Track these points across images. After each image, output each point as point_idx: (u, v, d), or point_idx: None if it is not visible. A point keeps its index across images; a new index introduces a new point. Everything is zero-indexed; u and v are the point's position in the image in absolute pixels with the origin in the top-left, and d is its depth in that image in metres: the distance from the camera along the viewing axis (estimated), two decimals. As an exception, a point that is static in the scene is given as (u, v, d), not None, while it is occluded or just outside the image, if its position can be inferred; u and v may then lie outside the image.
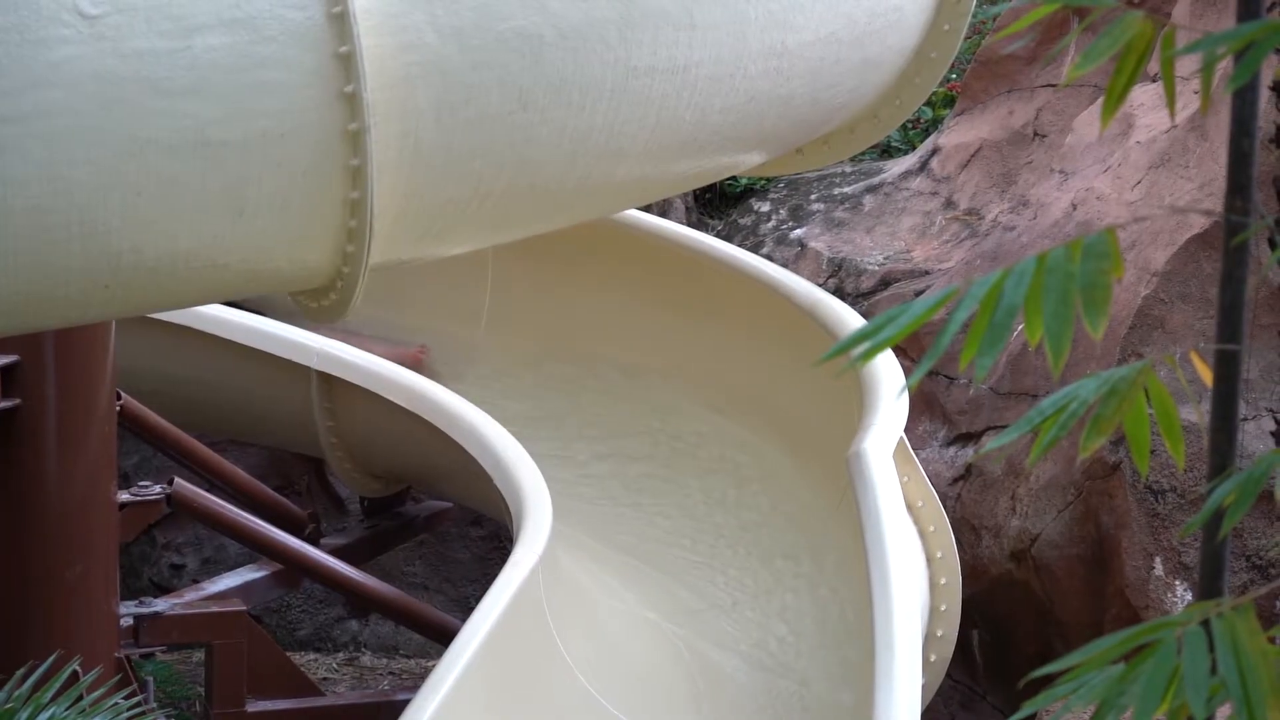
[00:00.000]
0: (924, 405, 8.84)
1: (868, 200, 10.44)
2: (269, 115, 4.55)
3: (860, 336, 2.48)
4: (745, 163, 6.44)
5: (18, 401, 6.74)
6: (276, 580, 9.07)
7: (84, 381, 6.79)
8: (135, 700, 4.78)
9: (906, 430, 7.09)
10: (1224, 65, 2.57)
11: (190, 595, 8.59)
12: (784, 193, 10.83)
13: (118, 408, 7.16)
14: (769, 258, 9.70)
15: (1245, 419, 7.12)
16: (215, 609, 8.40)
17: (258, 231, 4.68)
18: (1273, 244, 2.65)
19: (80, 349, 6.73)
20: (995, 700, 8.61)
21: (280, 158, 4.59)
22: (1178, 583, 7.64)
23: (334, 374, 8.64)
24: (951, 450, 8.87)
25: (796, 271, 9.27)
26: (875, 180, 10.59)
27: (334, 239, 4.83)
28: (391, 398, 8.35)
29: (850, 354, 2.51)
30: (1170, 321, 7.94)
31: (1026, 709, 2.44)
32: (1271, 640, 2.34)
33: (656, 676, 7.18)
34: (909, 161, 10.62)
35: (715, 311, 8.91)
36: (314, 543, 9.08)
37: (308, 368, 8.67)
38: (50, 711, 4.51)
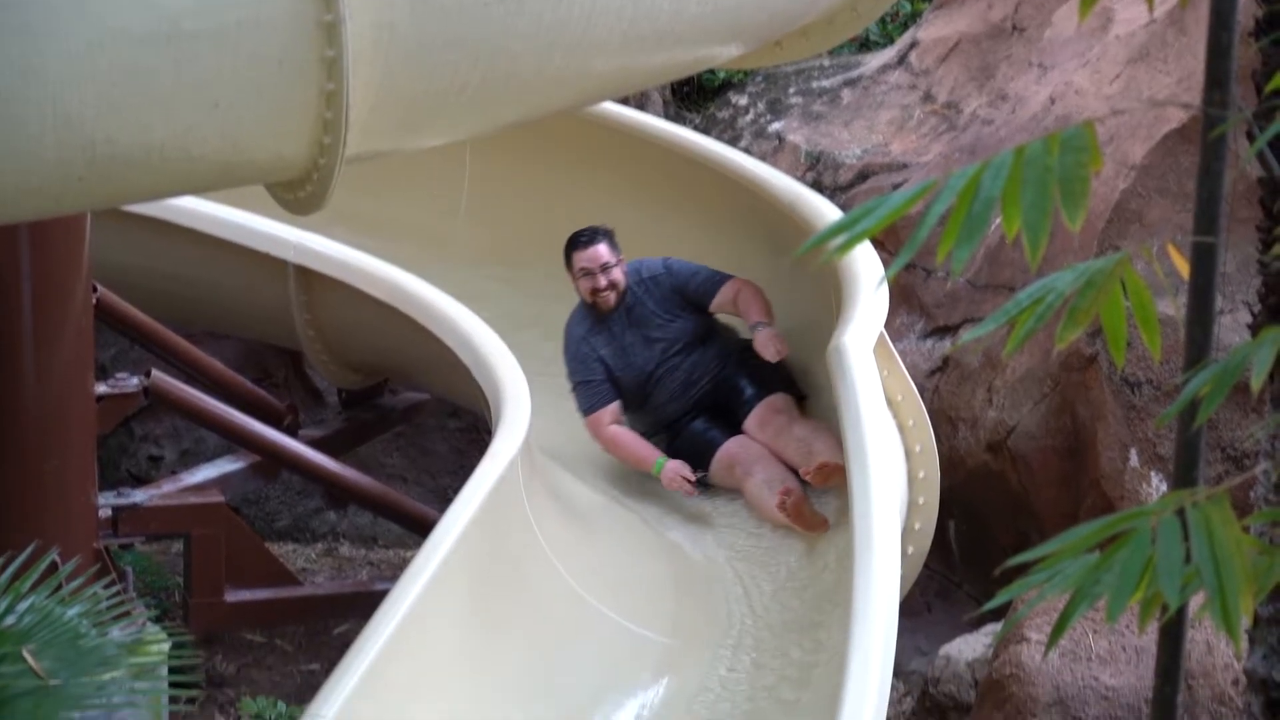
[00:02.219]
0: (901, 298, 8.85)
1: (846, 94, 10.40)
2: (243, 6, 4.51)
3: (838, 228, 2.48)
4: (723, 55, 6.40)
5: (-8, 294, 6.72)
6: (254, 471, 9.09)
7: (59, 274, 6.77)
8: (114, 590, 4.78)
9: (884, 323, 7.09)
10: (1204, -45, 2.56)
11: (168, 486, 8.60)
12: (762, 86, 10.79)
13: (94, 300, 7.14)
14: (747, 151, 9.68)
15: (1222, 312, 7.12)
16: (193, 500, 8.41)
17: (233, 123, 4.65)
18: (1250, 137, 2.64)
19: (55, 242, 6.71)
20: (971, 589, 8.67)
21: (255, 49, 4.56)
22: (1153, 474, 7.68)
23: (311, 267, 8.62)
24: (929, 343, 8.89)
25: (774, 165, 9.24)
26: (853, 74, 10.55)
27: (310, 131, 4.80)
28: (369, 291, 8.33)
29: (828, 245, 2.51)
30: (1148, 215, 7.94)
31: (1002, 597, 2.46)
32: (1245, 530, 2.35)
33: (634, 566, 7.21)
34: (887, 55, 10.58)
35: (693, 206, 8.90)
36: (292, 434, 9.08)
37: (285, 261, 8.65)
38: (29, 600, 4.52)
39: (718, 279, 7.87)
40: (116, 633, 4.78)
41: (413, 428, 10.46)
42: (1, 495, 6.74)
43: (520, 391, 7.20)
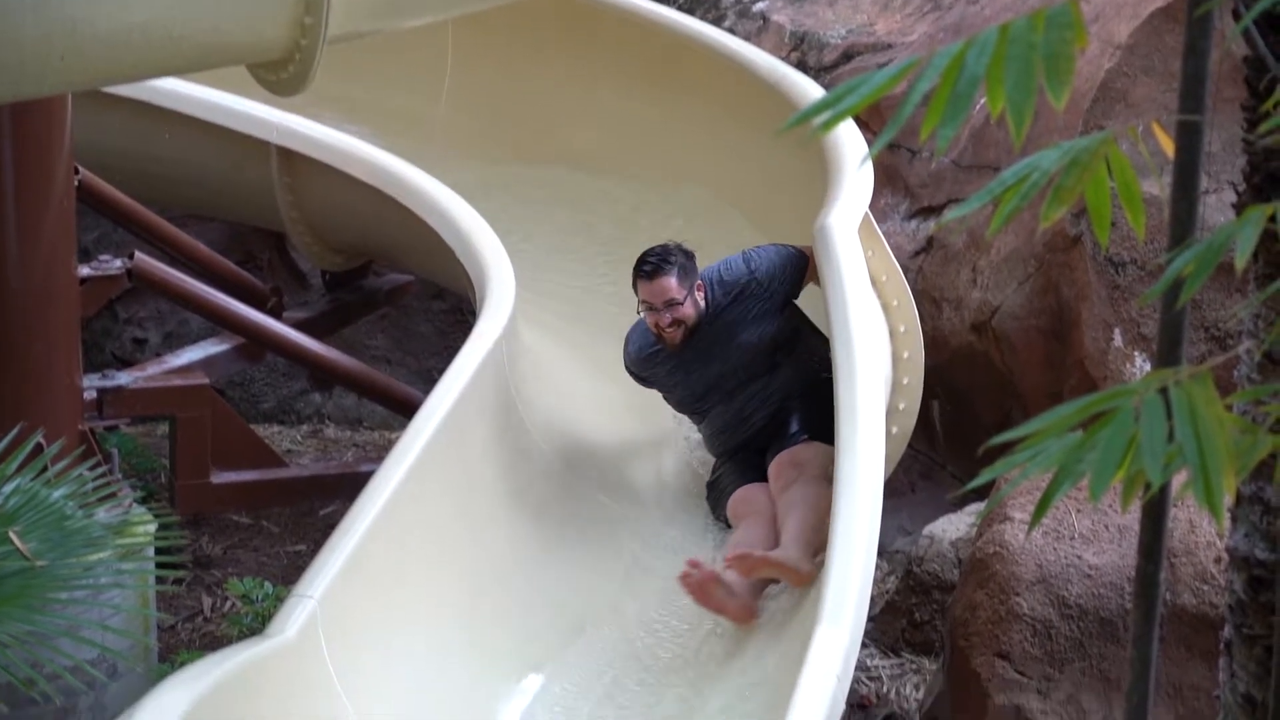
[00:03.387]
0: (885, 178, 8.82)
1: (831, -28, 10.33)
2: (223, -118, 4.48)
3: (822, 105, 2.47)
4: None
5: (-25, 176, 6.69)
6: (239, 354, 9.09)
7: (41, 157, 6.73)
8: (100, 471, 4.80)
9: (868, 203, 7.08)
10: None
11: (153, 368, 8.60)
12: (746, -36, 10.72)
13: (75, 183, 7.11)
14: (731, 31, 9.62)
15: (1206, 191, 7.12)
16: (178, 382, 8.42)
17: (213, 3, 4.62)
18: (1236, 15, 2.63)
19: (36, 124, 6.67)
20: (955, 469, 8.70)
21: (236, -74, 4.53)
22: (1136, 354, 7.70)
23: (294, 149, 8.58)
24: (913, 223, 8.87)
25: (759, 45, 9.19)
26: (838, -49, 10.47)
27: (291, 11, 4.77)
28: (352, 172, 8.31)
29: (812, 123, 2.50)
30: (1133, 94, 7.92)
31: (985, 476, 2.47)
32: (1228, 408, 2.36)
33: (618, 446, 7.24)
34: (873, -68, 10.50)
35: (678, 87, 8.86)
36: (276, 316, 9.08)
37: (267, 143, 8.62)
38: (15, 483, 4.53)
39: (798, 263, 6.98)
40: (103, 514, 4.80)
41: (397, 310, 10.46)
42: (-15, 378, 6.74)
43: (504, 273, 7.20)
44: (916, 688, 7.53)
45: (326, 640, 5.36)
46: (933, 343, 7.70)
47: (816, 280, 6.83)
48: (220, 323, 8.90)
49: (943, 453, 8.81)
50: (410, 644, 5.80)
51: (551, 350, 7.68)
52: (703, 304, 6.78)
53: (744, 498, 6.71)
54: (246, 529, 9.02)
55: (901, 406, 7.07)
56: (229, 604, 8.03)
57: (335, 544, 5.63)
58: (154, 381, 8.34)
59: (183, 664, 5.61)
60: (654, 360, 6.93)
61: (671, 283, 6.67)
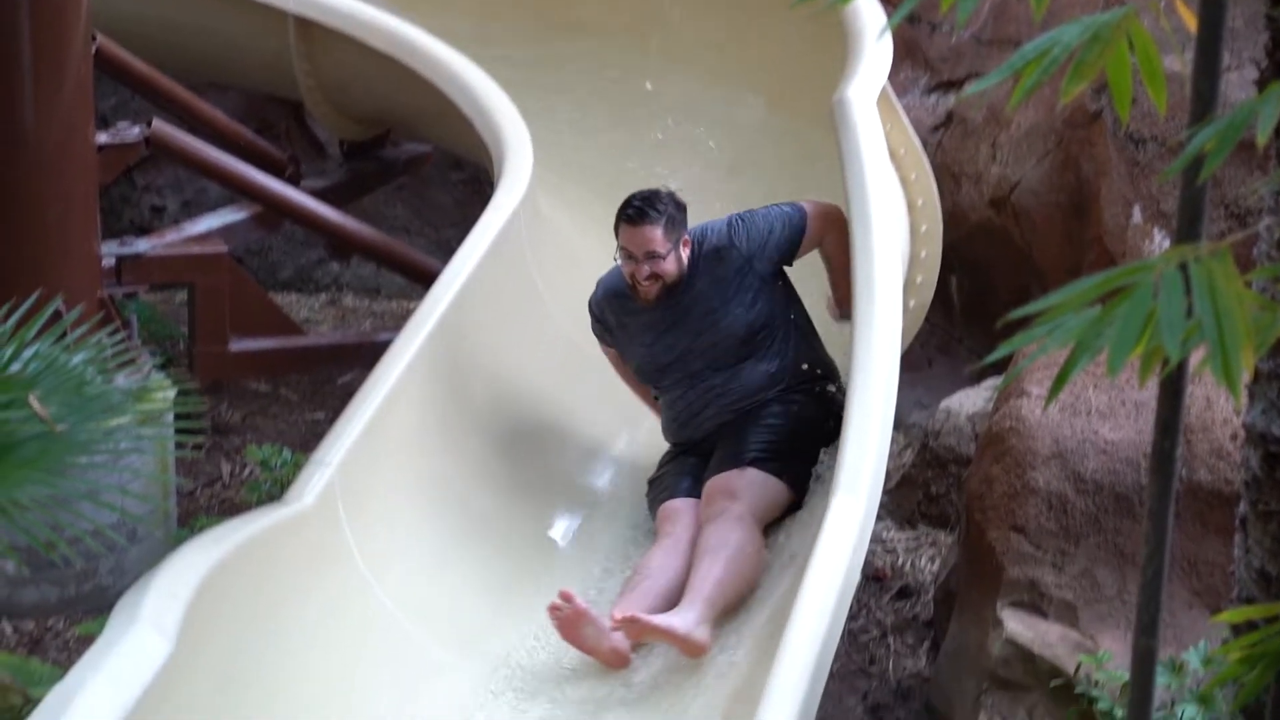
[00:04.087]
0: (905, 52, 8.77)
1: None
2: None
3: (845, -23, 2.45)
4: None
5: (-8, 43, 6.67)
6: (257, 222, 9.09)
7: (58, 23, 6.71)
8: (119, 338, 4.81)
9: (887, 78, 7.04)
10: None
11: (171, 236, 8.61)
12: None
13: (93, 50, 7.08)
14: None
15: (1228, 68, 7.08)
16: (197, 250, 8.43)
17: None
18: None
19: (54, -11, 6.66)
20: (972, 343, 8.70)
21: None
22: (1156, 230, 7.68)
23: (311, 17, 8.54)
24: (933, 98, 8.83)
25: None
26: None
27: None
28: (370, 41, 8.27)
29: (835, -5, 2.48)
30: (1157, -32, 7.85)
31: (1003, 350, 2.47)
32: (1247, 285, 2.36)
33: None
34: None
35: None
36: (294, 185, 9.07)
37: (284, 11, 8.57)
38: (34, 348, 4.54)
39: (796, 224, 6.28)
40: (122, 380, 4.81)
41: (415, 179, 10.44)
42: (5, 244, 6.75)
43: (522, 144, 7.18)
44: (931, 561, 7.58)
45: (344, 508, 5.39)
46: (951, 217, 7.68)
47: (824, 255, 6.36)
48: (238, 191, 8.89)
49: (960, 327, 8.81)
50: (427, 513, 5.83)
51: (573, 225, 7.67)
52: (685, 262, 6.12)
53: (669, 514, 5.99)
54: (265, 396, 9.06)
55: (919, 280, 7.06)
56: (248, 470, 8.08)
57: (353, 412, 5.66)
58: (172, 249, 8.35)
59: (201, 529, 5.64)
60: (621, 308, 6.27)
61: (657, 233, 6.01)
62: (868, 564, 7.00)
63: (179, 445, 6.64)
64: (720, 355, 6.13)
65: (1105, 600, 6.30)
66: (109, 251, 7.90)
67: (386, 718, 5.15)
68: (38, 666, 5.55)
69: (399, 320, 8.19)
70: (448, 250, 6.87)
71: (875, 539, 7.48)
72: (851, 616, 7.04)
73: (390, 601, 5.41)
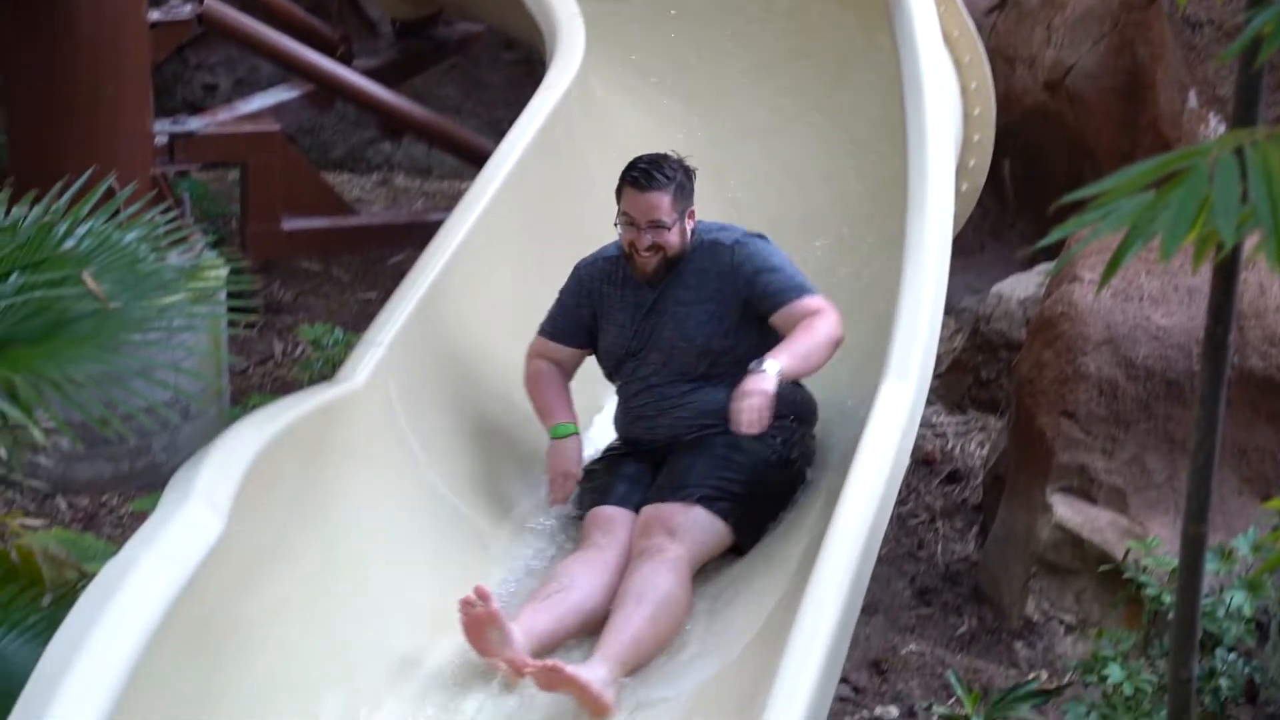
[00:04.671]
0: (963, -67, 8.69)
1: None
2: None
3: None
4: None
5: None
6: (309, 101, 9.08)
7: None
8: (171, 216, 4.81)
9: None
10: None
11: (224, 114, 8.62)
12: None
13: (146, -75, 7.07)
14: None
15: (1290, -50, 6.99)
16: (249, 128, 8.43)
17: None
18: None
19: None
20: (1024, 228, 8.67)
21: None
22: (1211, 115, 7.62)
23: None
24: (989, -21, 8.76)
25: None
26: None
27: None
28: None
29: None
30: None
31: (1056, 234, 2.46)
32: (1303, 168, 2.34)
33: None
34: None
35: None
36: (345, 64, 9.05)
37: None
38: (88, 225, 4.56)
39: (794, 290, 5.54)
40: (174, 258, 4.83)
41: (467, 59, 10.42)
42: (58, 122, 6.76)
43: (574, 24, 7.14)
44: (981, 445, 7.58)
45: (395, 387, 5.41)
46: (1005, 101, 7.63)
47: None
48: (290, 69, 8.88)
49: (1013, 212, 8.78)
50: (477, 392, 5.85)
51: (629, 110, 7.62)
52: (689, 236, 5.61)
53: (601, 523, 5.45)
54: (316, 276, 9.08)
55: (972, 164, 7.02)
56: (299, 349, 8.12)
57: (404, 292, 5.66)
58: (225, 128, 8.36)
59: (254, 407, 5.67)
60: (609, 277, 5.71)
61: (664, 200, 5.49)
62: (917, 448, 7.01)
63: (231, 323, 6.66)
64: (685, 361, 5.57)
65: (1155, 486, 6.30)
66: (161, 130, 7.91)
67: (434, 592, 5.19)
68: (92, 542, 5.60)
69: (450, 200, 8.20)
70: (499, 130, 6.86)
71: (925, 423, 7.48)
72: (900, 501, 7.05)
73: (439, 479, 5.44)
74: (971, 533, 7.04)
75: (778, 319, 5.47)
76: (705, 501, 5.34)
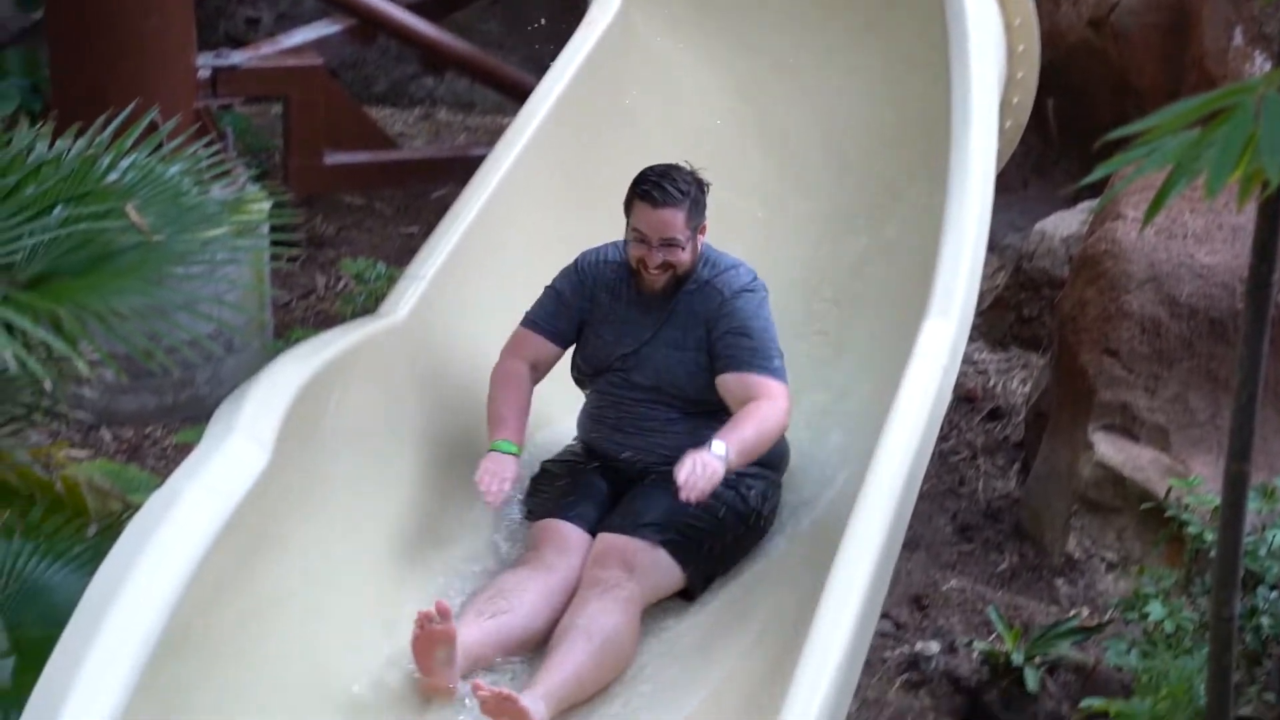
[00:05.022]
0: None
1: None
2: None
3: None
4: None
5: None
6: (352, 35, 9.08)
7: None
8: (214, 150, 4.82)
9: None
10: None
11: (266, 49, 8.62)
12: None
13: None
14: None
15: (1340, -115, 6.93)
16: (292, 62, 8.44)
17: None
18: None
19: None
20: (1068, 166, 8.64)
21: None
22: (1256, 53, 7.56)
23: None
24: (1035, -86, 8.71)
25: None
26: None
27: None
28: None
29: None
30: None
31: (1100, 171, 2.45)
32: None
33: (724, 139, 7.17)
34: None
35: None
36: (389, -1, 9.05)
37: None
38: (131, 159, 4.57)
39: (755, 362, 5.19)
40: (217, 191, 4.84)
41: (510, -6, 10.40)
42: (101, 55, 6.77)
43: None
44: (1023, 383, 7.57)
45: (437, 321, 5.43)
46: (1049, 38, 7.58)
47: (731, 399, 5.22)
48: (333, 3, 8.88)
49: (1056, 149, 8.74)
50: (517, 319, 5.87)
51: (671, 46, 7.58)
52: (700, 253, 5.32)
53: (552, 540, 5.16)
54: (359, 210, 9.10)
55: (1015, 100, 6.98)
56: (342, 283, 8.14)
57: (446, 227, 5.68)
58: (267, 61, 8.36)
59: (297, 340, 5.69)
60: (610, 286, 5.40)
61: (679, 217, 5.20)
62: (959, 385, 7.01)
63: (274, 257, 6.68)
64: (670, 395, 5.29)
65: (1197, 425, 6.29)
66: (204, 63, 7.92)
67: (481, 522, 5.21)
68: (136, 473, 5.63)
69: (492, 135, 8.19)
70: (541, 66, 6.85)
71: (967, 360, 7.48)
72: (942, 437, 7.06)
73: (480, 411, 5.46)
74: (1013, 470, 7.04)
75: (727, 379, 5.17)
76: (670, 545, 5.07)
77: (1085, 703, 4.98)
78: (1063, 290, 6.92)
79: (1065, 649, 5.87)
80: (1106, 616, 6.13)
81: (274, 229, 5.08)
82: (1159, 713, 4.59)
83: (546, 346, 5.40)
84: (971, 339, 7.52)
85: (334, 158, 8.51)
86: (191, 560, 3.88)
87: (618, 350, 5.33)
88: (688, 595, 5.15)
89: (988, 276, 7.90)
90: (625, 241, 5.33)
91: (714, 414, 5.14)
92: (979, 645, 5.91)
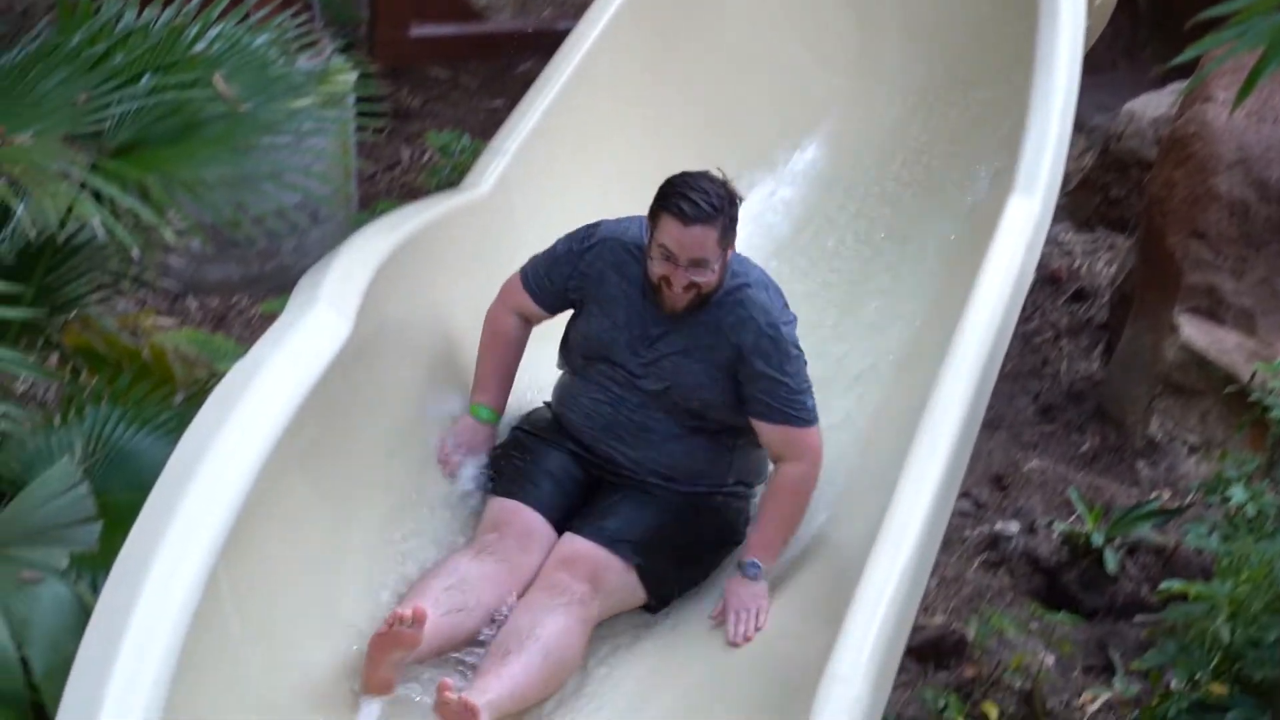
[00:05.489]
0: None
1: None
2: None
3: None
4: None
5: None
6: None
7: None
8: (301, 20, 4.83)
9: None
10: None
11: (354, -80, 8.60)
12: None
13: None
14: None
15: None
16: (379, -67, 8.41)
17: None
18: None
19: None
20: (1158, 46, 8.54)
21: None
22: (1357, -68, 7.45)
23: None
24: None
25: None
26: None
27: None
28: None
29: None
30: None
31: (1190, 52, 2.43)
32: None
33: (814, 12, 7.10)
34: None
35: None
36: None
37: None
38: (218, 29, 4.58)
39: (793, 414, 4.70)
40: (304, 62, 4.85)
41: None
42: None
43: None
44: (1108, 264, 7.53)
45: (520, 195, 5.43)
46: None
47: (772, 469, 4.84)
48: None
49: (1146, 29, 8.64)
50: (601, 201, 5.86)
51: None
52: (727, 271, 4.73)
53: (514, 527, 4.74)
54: (444, 83, 9.09)
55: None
56: (427, 155, 8.15)
57: (530, 101, 5.67)
58: (355, -68, 8.35)
59: (381, 212, 5.71)
60: (624, 269, 4.83)
61: (711, 237, 4.60)
62: (1043, 265, 6.98)
63: (360, 129, 6.69)
64: (674, 404, 4.78)
65: (1284, 308, 6.26)
66: (292, -67, 7.91)
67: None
68: (221, 342, 5.69)
69: (579, 9, 8.14)
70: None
71: (1052, 241, 7.44)
72: (1026, 318, 7.04)
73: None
74: (1096, 351, 7.02)
75: (764, 429, 4.72)
76: (643, 570, 4.66)
77: (1164, 585, 4.97)
78: (1150, 172, 6.87)
79: (1145, 531, 5.87)
80: (1187, 499, 6.12)
81: (359, 100, 5.10)
82: (1239, 596, 4.58)
83: (532, 306, 4.94)
84: (1057, 219, 7.47)
85: (420, 29, 8.49)
86: (275, 428, 3.92)
87: (623, 344, 4.80)
88: (648, 609, 4.77)
89: (1075, 157, 7.84)
90: (648, 255, 4.69)
91: (717, 434, 4.79)
92: (1059, 526, 5.92)
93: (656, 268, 4.64)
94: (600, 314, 4.82)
